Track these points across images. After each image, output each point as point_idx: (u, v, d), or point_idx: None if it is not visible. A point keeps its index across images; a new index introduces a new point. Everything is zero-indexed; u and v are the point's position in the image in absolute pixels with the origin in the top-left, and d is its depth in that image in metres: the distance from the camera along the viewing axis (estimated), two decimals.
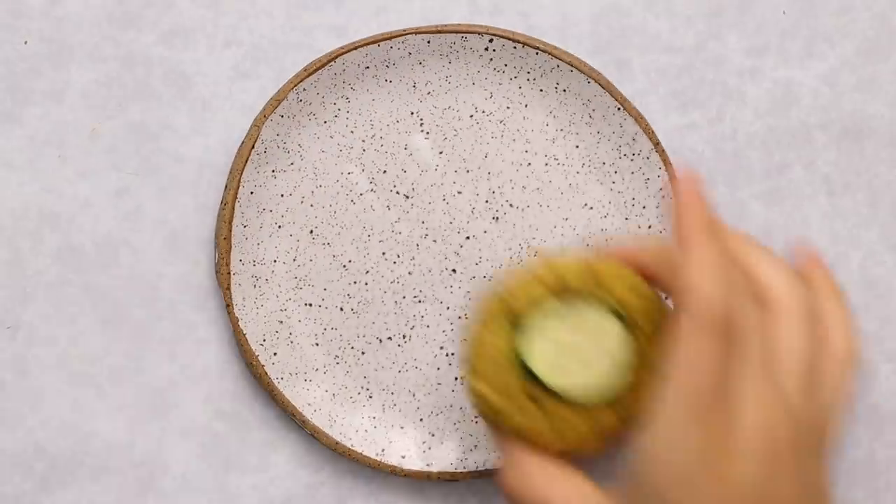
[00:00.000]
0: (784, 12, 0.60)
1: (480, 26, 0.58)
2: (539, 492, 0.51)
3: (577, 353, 0.50)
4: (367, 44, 0.58)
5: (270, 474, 0.59)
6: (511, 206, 0.59)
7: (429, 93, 0.59)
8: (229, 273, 0.58)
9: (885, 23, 0.60)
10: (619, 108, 0.58)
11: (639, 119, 0.58)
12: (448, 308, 0.59)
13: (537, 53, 0.58)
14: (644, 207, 0.58)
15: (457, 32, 0.58)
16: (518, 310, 0.50)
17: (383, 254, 0.59)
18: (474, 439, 0.58)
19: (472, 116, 0.59)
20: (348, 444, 0.58)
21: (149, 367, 0.59)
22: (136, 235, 0.59)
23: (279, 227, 0.59)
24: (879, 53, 0.60)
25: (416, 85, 0.59)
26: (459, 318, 0.59)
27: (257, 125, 0.57)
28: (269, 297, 0.58)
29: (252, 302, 0.58)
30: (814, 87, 0.60)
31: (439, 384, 0.59)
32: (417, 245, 0.59)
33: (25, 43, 0.59)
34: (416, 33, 0.58)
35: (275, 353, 0.58)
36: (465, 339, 0.52)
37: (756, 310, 0.50)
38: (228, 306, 0.58)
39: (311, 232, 0.59)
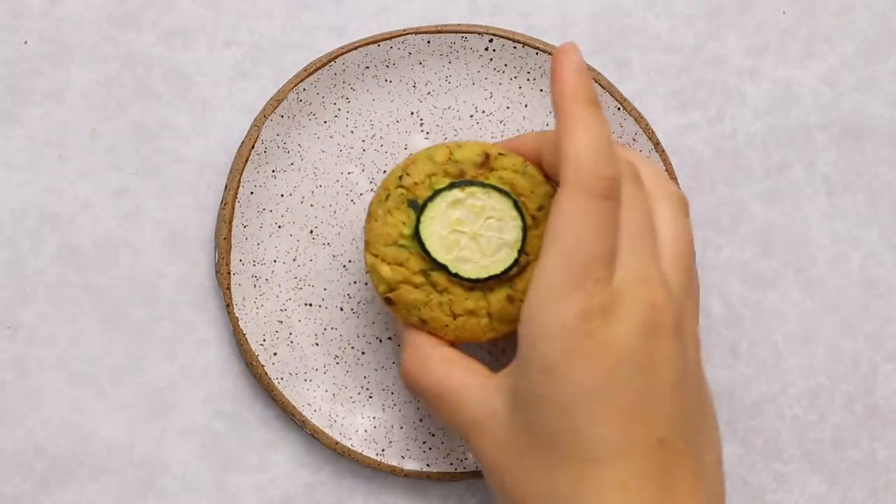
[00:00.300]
0: (784, 12, 0.60)
1: (480, 26, 0.58)
2: (435, 376, 0.52)
3: (470, 233, 0.53)
4: (367, 44, 0.58)
5: (270, 474, 0.59)
6: None
7: (429, 93, 0.59)
8: (229, 273, 0.58)
9: (885, 23, 0.60)
10: (619, 108, 0.58)
11: (639, 119, 0.58)
12: None
13: (537, 53, 0.58)
14: None
15: (457, 32, 0.58)
16: (416, 192, 0.53)
17: None
18: None
19: (472, 116, 0.59)
20: (348, 444, 0.58)
21: (149, 367, 0.59)
22: (136, 235, 0.59)
23: (279, 227, 0.59)
24: (879, 53, 0.60)
25: (416, 85, 0.59)
26: None
27: (257, 125, 0.57)
28: (269, 297, 0.58)
29: (252, 302, 0.58)
30: (814, 87, 0.60)
31: None
32: None
33: (25, 43, 0.59)
34: (416, 33, 0.58)
35: (275, 353, 0.58)
36: (366, 221, 0.54)
37: (635, 186, 0.50)
38: (228, 306, 0.58)
39: (311, 232, 0.59)
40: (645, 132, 0.58)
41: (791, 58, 0.60)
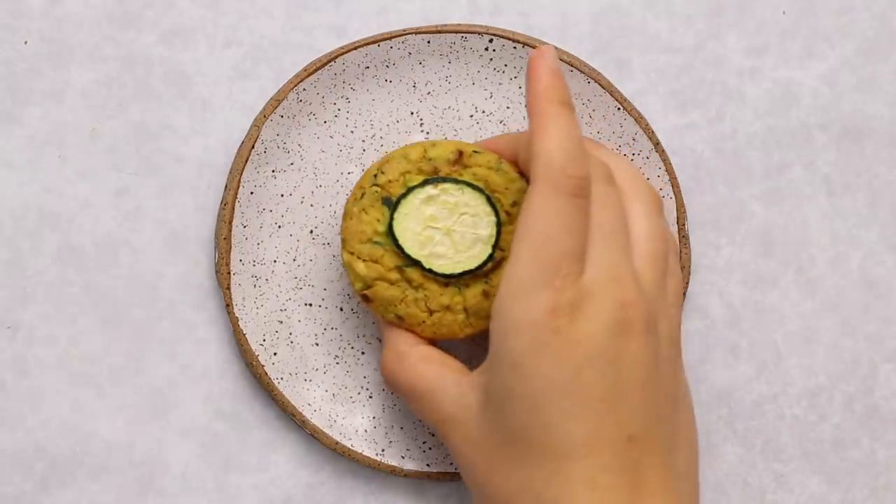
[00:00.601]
0: (784, 12, 0.60)
1: (480, 26, 0.58)
2: (413, 373, 0.52)
3: (444, 230, 0.53)
4: (367, 44, 0.58)
5: (270, 474, 0.59)
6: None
7: (429, 93, 0.59)
8: (229, 273, 0.58)
9: (885, 23, 0.60)
10: (619, 108, 0.58)
11: (639, 119, 0.58)
12: None
13: None
14: None
15: (457, 32, 0.58)
16: (390, 190, 0.54)
17: None
18: None
19: (472, 116, 0.59)
20: (348, 444, 0.58)
21: (149, 367, 0.59)
22: (136, 235, 0.59)
23: (279, 227, 0.59)
24: (879, 53, 0.60)
25: (416, 85, 0.59)
26: None
27: (257, 125, 0.57)
28: (269, 297, 0.58)
29: (252, 302, 0.58)
30: (814, 87, 0.60)
31: None
32: None
33: (25, 43, 0.59)
34: (416, 33, 0.58)
35: (275, 353, 0.58)
36: (342, 219, 0.55)
37: (608, 185, 0.51)
38: (228, 306, 0.58)
39: (311, 232, 0.59)
40: (645, 132, 0.58)
41: (791, 58, 0.60)
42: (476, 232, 0.54)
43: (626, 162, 0.54)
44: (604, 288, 0.48)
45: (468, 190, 0.53)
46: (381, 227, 0.54)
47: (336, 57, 0.58)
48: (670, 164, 0.58)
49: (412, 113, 0.59)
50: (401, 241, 0.53)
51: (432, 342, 0.54)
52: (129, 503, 0.59)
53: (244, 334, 0.58)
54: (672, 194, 0.58)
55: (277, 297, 0.59)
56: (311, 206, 0.59)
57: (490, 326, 0.49)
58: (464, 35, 0.58)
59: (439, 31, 0.58)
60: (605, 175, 0.51)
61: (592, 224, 0.49)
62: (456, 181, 0.53)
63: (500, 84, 0.59)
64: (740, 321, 0.60)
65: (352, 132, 0.59)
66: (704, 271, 0.60)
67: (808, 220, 0.60)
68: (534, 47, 0.57)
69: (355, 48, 0.57)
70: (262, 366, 0.58)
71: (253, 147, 0.57)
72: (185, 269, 0.59)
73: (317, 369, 0.59)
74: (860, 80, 0.60)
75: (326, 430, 0.58)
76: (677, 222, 0.58)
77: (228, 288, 0.57)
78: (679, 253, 0.56)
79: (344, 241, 0.54)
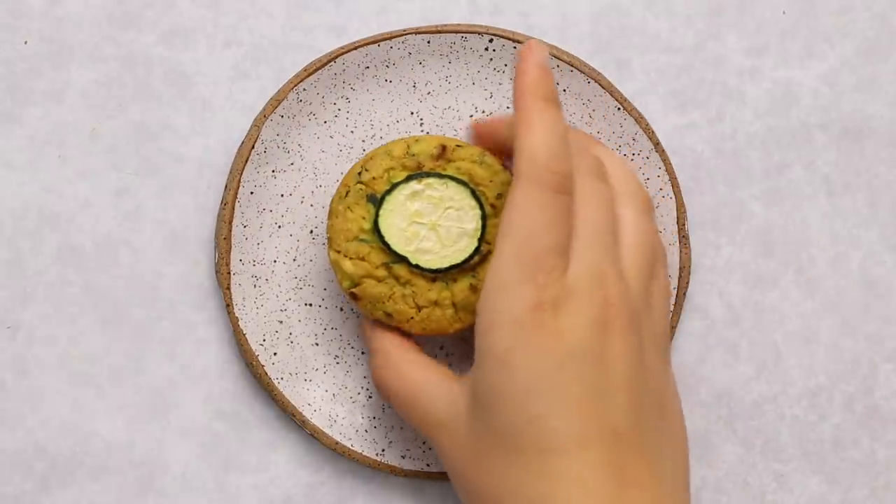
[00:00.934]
0: (784, 12, 0.60)
1: (480, 26, 0.58)
2: (404, 380, 0.53)
3: (429, 225, 0.53)
4: (367, 44, 0.58)
5: (270, 474, 0.59)
6: None
7: (429, 93, 0.59)
8: (229, 273, 0.58)
9: (885, 23, 0.60)
10: (619, 109, 0.58)
11: (639, 119, 0.58)
12: None
13: None
14: None
15: (457, 32, 0.58)
16: (374, 187, 0.54)
17: None
18: None
19: (472, 116, 0.59)
20: (348, 444, 0.58)
21: (149, 367, 0.59)
22: (136, 235, 0.59)
23: (279, 227, 0.59)
24: (879, 53, 0.60)
25: (416, 85, 0.59)
26: None
27: (257, 125, 0.57)
28: (269, 297, 0.58)
29: (252, 302, 0.58)
30: (814, 87, 0.60)
31: None
32: None
33: (25, 43, 0.59)
34: (416, 33, 0.58)
35: (275, 353, 0.58)
36: (328, 218, 0.55)
37: (599, 182, 0.50)
38: (228, 306, 0.58)
39: (311, 232, 0.59)
40: (645, 132, 0.58)
41: (791, 58, 0.60)
42: (461, 226, 0.54)
43: (620, 161, 0.54)
44: (587, 285, 0.48)
45: (452, 184, 0.53)
46: (367, 225, 0.54)
47: (336, 57, 0.58)
48: (670, 164, 0.58)
49: (412, 113, 0.59)
50: (387, 238, 0.53)
51: (421, 341, 0.54)
52: (129, 503, 0.59)
53: (244, 334, 0.58)
54: (672, 194, 0.58)
55: (277, 297, 0.59)
56: (311, 206, 0.59)
57: (475, 322, 0.49)
58: (464, 35, 0.58)
59: (439, 31, 0.58)
60: (596, 171, 0.51)
61: (579, 220, 0.49)
62: (440, 175, 0.53)
63: (500, 84, 0.59)
64: (740, 321, 0.60)
65: (352, 132, 0.59)
66: (704, 271, 0.60)
67: (807, 220, 0.60)
68: None
69: (355, 48, 0.57)
70: (262, 366, 0.58)
71: (253, 147, 0.57)
72: (185, 269, 0.59)
73: (317, 369, 0.59)
74: (860, 80, 0.60)
75: (326, 430, 0.58)
76: (677, 222, 0.58)
77: (228, 288, 0.57)
78: (667, 260, 0.56)
79: (330, 239, 0.54)
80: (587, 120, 0.58)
